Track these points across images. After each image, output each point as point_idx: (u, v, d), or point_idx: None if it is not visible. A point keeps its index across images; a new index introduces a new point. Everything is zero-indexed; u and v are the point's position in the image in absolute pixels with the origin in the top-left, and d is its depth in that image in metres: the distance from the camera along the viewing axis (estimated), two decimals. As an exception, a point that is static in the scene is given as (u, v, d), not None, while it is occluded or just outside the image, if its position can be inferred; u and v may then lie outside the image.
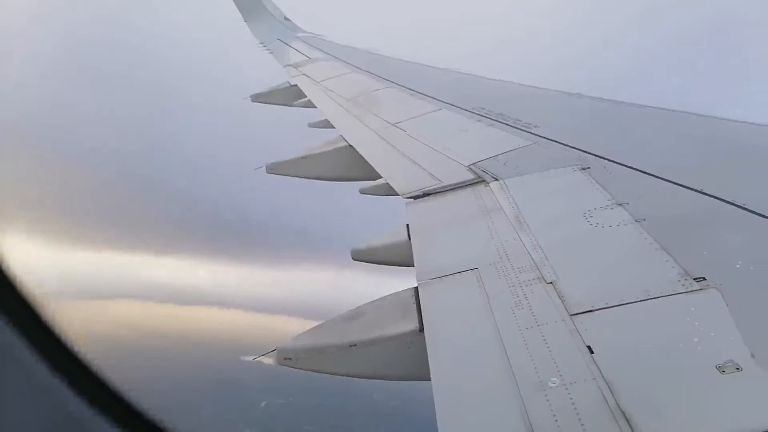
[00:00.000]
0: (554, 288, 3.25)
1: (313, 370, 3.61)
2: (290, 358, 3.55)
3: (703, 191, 3.88)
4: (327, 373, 3.63)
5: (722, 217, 3.60)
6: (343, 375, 3.58)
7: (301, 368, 3.61)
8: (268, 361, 3.63)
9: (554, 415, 2.45)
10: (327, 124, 9.16)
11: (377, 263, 4.80)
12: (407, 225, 4.67)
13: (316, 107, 10.26)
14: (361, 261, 4.86)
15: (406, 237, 4.50)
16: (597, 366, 2.63)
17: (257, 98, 12.45)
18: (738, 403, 2.32)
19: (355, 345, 3.43)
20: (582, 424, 2.38)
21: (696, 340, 2.66)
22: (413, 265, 3.98)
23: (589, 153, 5.06)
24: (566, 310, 3.04)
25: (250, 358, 3.83)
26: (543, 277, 3.38)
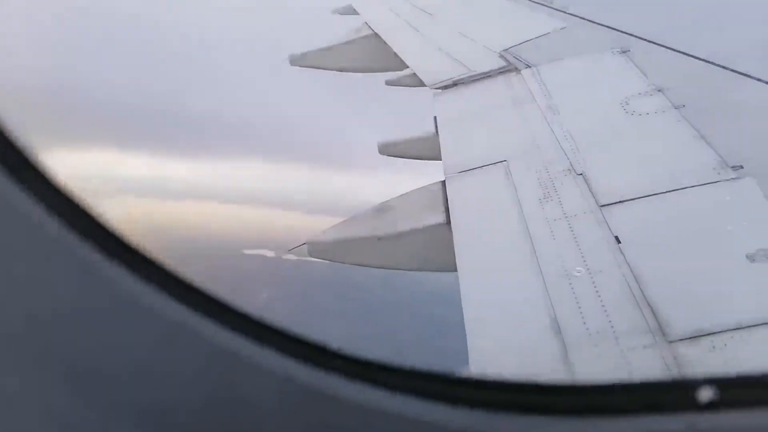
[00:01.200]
0: (584, 179, 3.19)
1: (342, 262, 3.74)
2: (321, 251, 3.67)
3: (750, 74, 3.62)
4: (356, 265, 3.75)
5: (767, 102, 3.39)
6: (371, 266, 3.70)
7: (330, 260, 3.74)
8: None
9: (578, 303, 2.51)
10: (351, 11, 8.72)
11: (405, 157, 4.77)
12: (435, 117, 4.56)
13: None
14: (389, 155, 4.83)
15: (433, 130, 4.42)
16: (623, 255, 2.64)
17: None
18: (766, 290, 2.32)
19: (383, 238, 3.51)
20: (606, 312, 2.43)
21: (728, 229, 2.62)
22: (441, 159, 3.93)
23: (630, 34, 4.72)
24: (595, 201, 3.01)
25: (283, 253, 3.96)
26: (573, 168, 3.31)
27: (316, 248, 3.67)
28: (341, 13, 9.31)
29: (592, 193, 3.07)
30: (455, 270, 2.98)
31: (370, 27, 7.40)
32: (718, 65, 3.87)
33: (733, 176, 2.85)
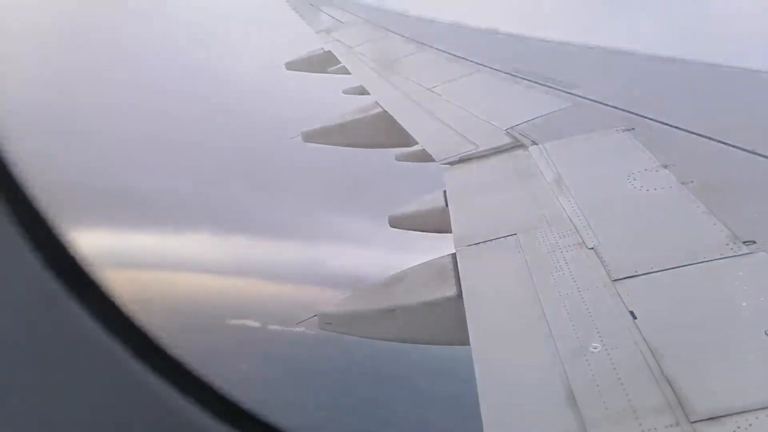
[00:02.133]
0: (595, 253, 3.20)
1: (353, 335, 3.69)
2: (331, 323, 3.63)
3: (755, 151, 3.71)
4: (366, 338, 3.70)
5: None
6: (382, 339, 3.65)
7: (341, 333, 3.69)
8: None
9: (595, 380, 2.44)
10: (362, 91, 9.09)
11: (415, 230, 4.81)
12: (444, 191, 4.64)
13: (350, 73, 10.18)
14: (399, 228, 4.88)
15: (443, 203, 4.48)
16: (640, 331, 2.59)
17: (291, 66, 12.42)
18: None
19: (394, 310, 3.48)
20: (624, 389, 2.36)
21: (744, 304, 2.59)
22: (451, 232, 3.97)
23: (633, 113, 4.89)
24: (608, 275, 3.00)
25: (294, 325, 3.93)
26: (584, 242, 3.32)
27: (327, 320, 3.63)
28: (352, 93, 9.70)
29: (604, 267, 3.07)
30: (467, 344, 2.93)
31: (380, 105, 7.70)
32: (722, 142, 3.98)
33: (747, 251, 2.85)
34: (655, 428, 2.16)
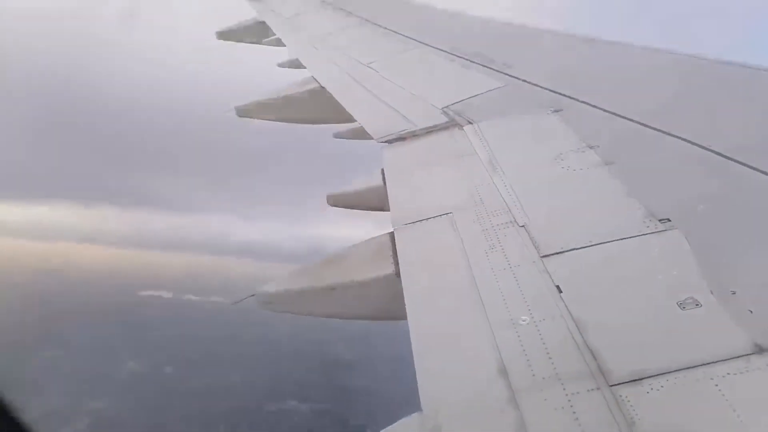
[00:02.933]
0: (526, 231, 3.35)
1: (292, 313, 3.70)
2: (270, 302, 3.62)
3: (672, 133, 3.96)
4: (306, 315, 3.72)
5: (690, 159, 3.71)
6: (322, 316, 3.68)
7: (280, 311, 3.69)
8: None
9: (524, 350, 2.59)
10: (297, 64, 8.91)
11: (353, 208, 4.84)
12: (382, 170, 4.68)
13: (285, 45, 9.94)
14: (338, 206, 4.89)
15: (381, 182, 4.52)
16: (565, 304, 2.76)
17: (223, 36, 11.98)
18: (696, 336, 2.48)
19: (334, 288, 3.51)
20: (550, 359, 2.52)
21: (659, 278, 2.80)
22: (389, 210, 4.02)
23: (563, 95, 5.08)
24: (537, 252, 3.15)
25: (231, 303, 3.88)
26: (515, 221, 3.47)
27: (265, 299, 3.62)
28: (287, 67, 9.48)
29: (533, 244, 3.22)
30: (405, 318, 3.02)
31: (316, 80, 7.58)
32: (645, 125, 4.21)
33: (662, 228, 3.07)
34: (578, 392, 2.33)
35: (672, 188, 3.47)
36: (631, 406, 2.22)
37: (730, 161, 3.51)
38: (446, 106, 5.45)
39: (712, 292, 2.59)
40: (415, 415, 2.45)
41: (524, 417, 2.28)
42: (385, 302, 3.42)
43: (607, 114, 4.54)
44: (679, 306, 2.57)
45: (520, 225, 3.41)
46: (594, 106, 4.72)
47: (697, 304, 2.56)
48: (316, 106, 7.34)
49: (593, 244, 3.10)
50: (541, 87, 5.39)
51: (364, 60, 7.68)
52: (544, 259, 3.09)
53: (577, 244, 3.13)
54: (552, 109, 4.81)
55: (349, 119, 6.31)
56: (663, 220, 3.12)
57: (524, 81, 5.65)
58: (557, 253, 3.11)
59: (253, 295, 3.61)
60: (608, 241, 3.10)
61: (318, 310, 3.59)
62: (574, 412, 2.26)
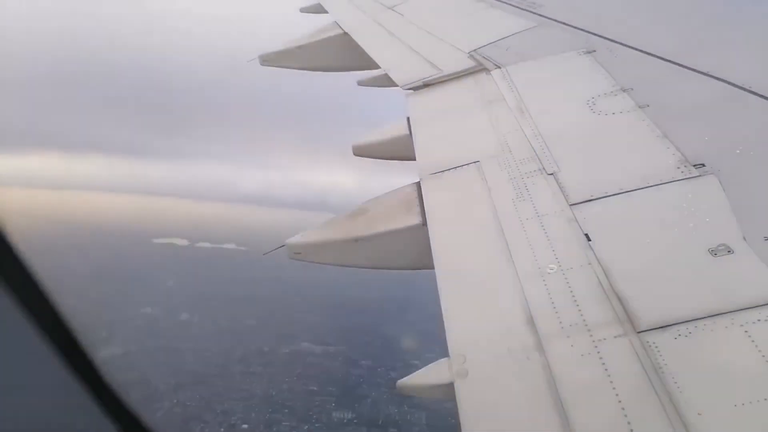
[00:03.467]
0: (555, 179, 3.30)
1: (321, 263, 3.77)
2: (299, 253, 3.70)
3: (711, 74, 3.79)
4: (334, 265, 3.80)
5: (728, 101, 3.55)
6: (350, 266, 3.75)
7: (310, 261, 3.77)
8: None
9: (551, 298, 2.61)
10: (320, 9, 8.71)
11: (379, 158, 4.82)
12: (408, 118, 4.62)
13: (307, -9, 9.68)
14: (363, 156, 4.87)
15: (406, 131, 4.47)
16: (593, 252, 2.75)
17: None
18: (727, 283, 2.45)
19: (361, 239, 3.56)
20: (578, 306, 2.54)
21: (691, 225, 2.75)
22: (414, 159, 4.00)
23: (596, 34, 4.87)
24: (566, 200, 3.12)
25: (263, 253, 3.98)
26: (544, 168, 3.41)
27: (294, 249, 3.70)
28: (310, 12, 9.28)
29: (562, 192, 3.18)
30: (432, 268, 3.06)
31: (339, 26, 7.42)
32: (681, 65, 4.03)
33: (696, 174, 2.99)
34: (605, 339, 2.36)
35: (708, 132, 3.35)
36: (658, 352, 2.24)
37: None
38: (474, 50, 5.29)
39: (745, 239, 2.54)
40: (443, 360, 2.53)
41: (550, 362, 2.33)
42: (413, 252, 3.45)
43: (642, 54, 4.35)
44: (711, 253, 2.53)
45: (549, 173, 3.36)
46: (629, 47, 4.52)
47: (729, 251, 2.52)
48: (339, 53, 7.21)
49: (624, 191, 3.05)
50: (573, 27, 5.17)
51: (388, 3, 7.45)
52: (573, 207, 3.06)
53: (607, 192, 3.08)
54: (584, 50, 4.63)
55: (374, 66, 6.19)
56: (698, 165, 3.04)
57: (555, 21, 5.42)
58: (587, 201, 3.07)
59: (283, 246, 3.69)
60: (640, 188, 3.04)
61: (346, 261, 3.66)
62: (600, 358, 2.29)
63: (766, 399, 2.00)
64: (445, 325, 2.67)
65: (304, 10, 9.48)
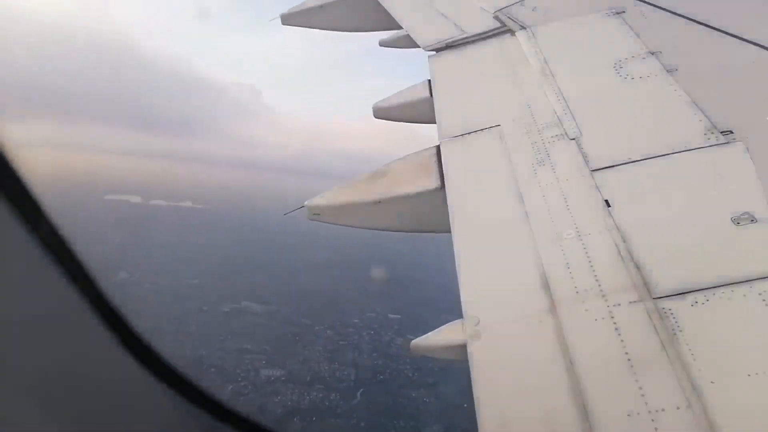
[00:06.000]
0: (577, 144, 3.25)
1: (340, 224, 3.81)
2: (319, 214, 3.73)
3: (743, 37, 3.64)
4: (352, 227, 3.83)
5: (760, 66, 3.43)
6: (367, 228, 3.78)
7: (328, 222, 3.81)
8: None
9: (567, 264, 2.61)
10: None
11: (400, 121, 4.78)
12: (429, 81, 4.55)
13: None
14: (384, 119, 4.83)
15: (428, 93, 4.42)
16: (613, 218, 2.73)
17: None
18: (749, 252, 2.42)
19: (380, 202, 3.57)
20: (594, 272, 2.54)
21: (715, 193, 2.71)
22: (435, 123, 3.96)
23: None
24: (587, 165, 3.08)
25: (283, 214, 4.03)
26: (566, 133, 3.36)
27: (315, 211, 3.73)
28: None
29: (584, 157, 3.14)
30: (449, 231, 3.07)
31: (362, -16, 7.25)
32: (712, 27, 3.88)
33: (723, 141, 2.92)
34: (620, 304, 2.37)
35: (738, 98, 3.25)
36: (674, 318, 2.24)
37: None
38: (498, 10, 5.15)
39: None
40: (456, 321, 2.56)
41: (563, 326, 2.35)
42: (431, 215, 3.46)
43: (672, 16, 4.19)
44: (734, 221, 2.50)
45: (571, 138, 3.31)
46: (659, 7, 4.35)
47: (752, 220, 2.48)
48: (361, 13, 7.08)
49: (648, 157, 3.00)
50: None
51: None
52: (594, 173, 3.02)
53: (630, 158, 3.03)
54: (613, 10, 4.47)
55: (397, 26, 6.08)
56: (725, 132, 2.96)
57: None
58: (608, 167, 3.03)
59: (302, 207, 3.72)
60: (665, 154, 2.98)
61: (364, 223, 3.68)
62: (614, 323, 2.31)
63: None
64: (460, 287, 2.70)
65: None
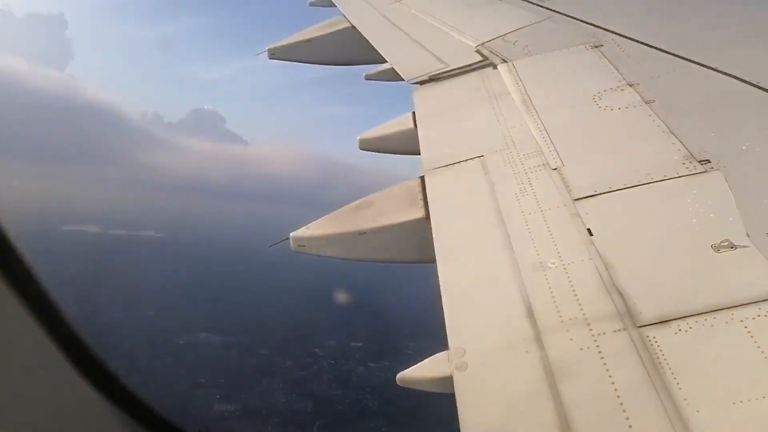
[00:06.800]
0: (559, 174, 3.30)
1: (326, 256, 3.79)
2: (304, 245, 3.72)
3: (718, 69, 3.76)
4: (338, 259, 3.82)
5: (735, 96, 3.53)
6: (353, 260, 3.77)
7: (313, 254, 3.79)
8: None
9: (552, 292, 2.62)
10: (328, 3, 8.70)
11: (385, 152, 4.82)
12: (413, 112, 4.62)
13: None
14: (369, 150, 4.88)
15: (412, 125, 4.48)
16: (595, 247, 2.75)
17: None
18: (729, 278, 2.45)
19: (365, 232, 3.58)
20: (578, 300, 2.54)
21: (694, 220, 2.74)
22: (419, 154, 4.01)
23: (603, 28, 4.84)
24: (569, 195, 3.11)
25: (268, 246, 4.01)
26: (548, 164, 3.41)
27: (299, 243, 3.72)
28: (319, 5, 9.27)
29: (566, 187, 3.18)
30: (434, 261, 3.06)
31: (347, 19, 7.41)
32: (688, 59, 4.00)
33: (701, 170, 2.97)
34: (604, 333, 2.36)
35: (714, 128, 3.33)
36: (658, 347, 2.24)
37: None
38: (480, 44, 5.27)
39: (748, 235, 2.53)
40: (442, 353, 2.54)
41: (549, 356, 2.34)
42: (416, 245, 3.47)
43: (649, 49, 4.32)
44: (714, 249, 2.53)
45: (553, 168, 3.36)
46: (636, 41, 4.49)
47: (732, 247, 2.51)
48: (347, 47, 7.21)
49: (629, 186, 3.04)
50: (580, 20, 5.14)
51: (396, -4, 7.43)
52: (576, 202, 3.05)
53: (611, 187, 3.07)
54: (591, 44, 4.60)
55: (381, 60, 6.19)
56: (703, 161, 3.02)
57: (562, 14, 5.39)
58: (590, 196, 3.07)
59: (287, 239, 3.71)
60: (645, 183, 3.03)
61: (350, 254, 3.68)
62: (599, 352, 2.30)
63: (764, 397, 2.00)
64: (446, 317, 2.68)
65: (313, 4, 9.47)
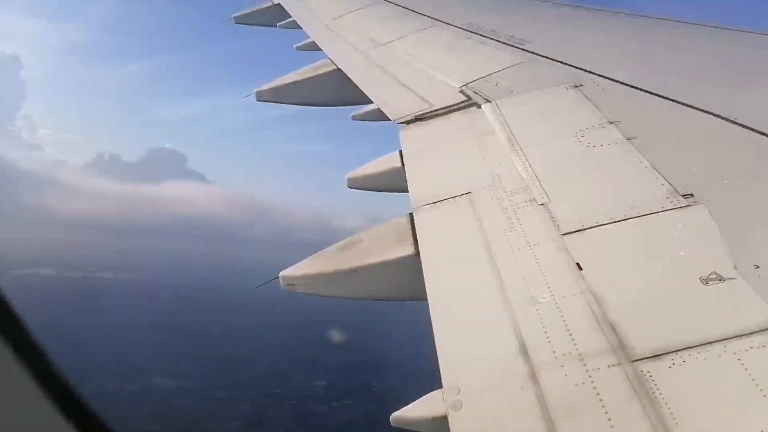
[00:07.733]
0: (546, 209, 3.34)
1: (316, 295, 3.76)
2: (293, 284, 3.69)
3: (696, 106, 3.88)
4: (329, 297, 3.79)
5: (713, 132, 3.64)
6: (343, 297, 3.74)
7: (303, 292, 3.76)
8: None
9: (544, 328, 2.61)
10: (314, 47, 8.89)
11: (373, 190, 4.86)
12: (400, 151, 4.68)
13: (301, 28, 9.90)
14: (357, 188, 4.92)
15: (399, 163, 4.53)
16: (585, 281, 2.76)
17: (240, 20, 11.98)
18: (719, 311, 2.46)
19: (355, 270, 3.56)
20: (571, 336, 2.53)
21: (682, 254, 2.78)
22: (407, 191, 4.04)
23: (582, 69, 4.99)
24: (557, 230, 3.14)
25: (255, 286, 3.97)
26: (535, 199, 3.45)
27: (288, 281, 3.69)
28: (305, 49, 9.47)
29: (553, 222, 3.21)
30: (425, 299, 3.05)
31: (333, 62, 7.56)
32: (667, 98, 4.13)
33: (685, 204, 3.03)
34: (599, 368, 2.35)
35: (696, 163, 3.41)
36: (653, 381, 2.23)
37: (754, 133, 3.43)
38: (464, 85, 5.40)
39: (735, 267, 2.56)
40: (436, 392, 2.50)
41: (544, 393, 2.31)
42: (406, 283, 3.45)
43: (628, 88, 4.46)
44: (702, 281, 2.55)
45: (540, 203, 3.40)
46: (614, 81, 4.63)
47: (720, 279, 2.54)
48: (333, 89, 7.34)
49: (615, 220, 3.08)
50: (559, 62, 5.31)
51: (381, 40, 7.63)
52: (564, 237, 3.08)
53: (598, 221, 3.11)
54: (571, 84, 4.74)
55: (367, 101, 6.30)
56: (686, 195, 3.08)
57: (542, 56, 5.56)
58: (578, 231, 3.10)
59: (276, 278, 3.68)
60: (630, 218, 3.07)
61: (340, 292, 3.65)
62: (594, 388, 2.28)
63: (762, 431, 1.99)
64: (439, 356, 2.65)
65: (299, 47, 9.67)
